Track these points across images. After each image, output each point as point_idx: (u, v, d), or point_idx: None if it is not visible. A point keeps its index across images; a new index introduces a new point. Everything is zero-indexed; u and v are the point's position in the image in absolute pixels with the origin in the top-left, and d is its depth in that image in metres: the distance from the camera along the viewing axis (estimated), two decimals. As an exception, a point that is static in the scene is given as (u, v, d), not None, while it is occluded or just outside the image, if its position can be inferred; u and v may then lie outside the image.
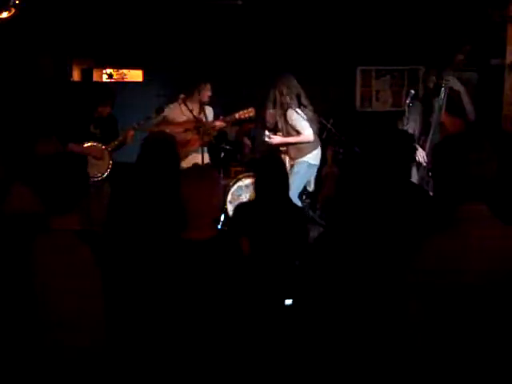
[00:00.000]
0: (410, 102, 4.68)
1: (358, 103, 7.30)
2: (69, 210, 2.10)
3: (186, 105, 5.18)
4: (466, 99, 4.53)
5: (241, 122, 5.65)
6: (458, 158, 1.79)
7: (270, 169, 3.40)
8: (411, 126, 4.59)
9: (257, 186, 3.46)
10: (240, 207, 3.55)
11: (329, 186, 5.41)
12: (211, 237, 2.34)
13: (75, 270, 2.06)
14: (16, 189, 3.06)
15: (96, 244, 2.09)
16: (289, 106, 5.14)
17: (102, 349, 2.08)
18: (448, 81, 4.47)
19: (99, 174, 4.91)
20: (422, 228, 2.28)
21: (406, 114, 4.67)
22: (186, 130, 5.08)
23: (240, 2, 6.48)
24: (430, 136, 4.47)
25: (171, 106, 5.31)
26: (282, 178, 3.41)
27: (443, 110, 4.50)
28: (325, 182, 5.28)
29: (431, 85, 4.66)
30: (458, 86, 4.50)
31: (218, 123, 5.22)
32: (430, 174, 1.98)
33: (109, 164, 4.99)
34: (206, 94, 5.25)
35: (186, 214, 2.34)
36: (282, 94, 5.13)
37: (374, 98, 7.27)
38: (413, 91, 4.70)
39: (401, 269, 1.85)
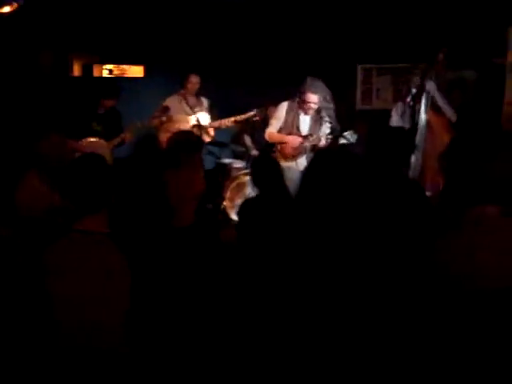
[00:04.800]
0: (410, 101, 4.68)
1: (358, 101, 7.30)
2: (97, 211, 2.10)
3: (185, 99, 5.25)
4: (441, 103, 4.53)
5: (243, 122, 5.68)
6: (473, 159, 1.80)
7: (264, 166, 3.46)
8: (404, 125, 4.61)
9: (255, 183, 3.51)
10: (246, 203, 3.60)
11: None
12: (191, 224, 2.36)
13: (101, 268, 2.04)
14: (28, 181, 3.05)
15: (124, 244, 2.09)
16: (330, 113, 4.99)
17: (120, 349, 2.08)
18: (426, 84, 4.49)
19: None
20: (426, 227, 2.27)
21: (407, 112, 4.68)
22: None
23: (241, -1, 6.47)
24: (418, 135, 4.48)
25: (172, 98, 5.37)
26: (275, 174, 3.47)
27: (428, 110, 4.51)
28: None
29: (416, 85, 4.68)
30: (432, 89, 4.50)
31: (216, 124, 5.28)
32: (444, 173, 1.98)
33: (111, 161, 4.98)
34: (194, 85, 5.43)
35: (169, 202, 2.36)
36: (326, 99, 4.95)
37: (374, 96, 7.26)
38: (414, 90, 4.70)
39: (408, 267, 1.86)
